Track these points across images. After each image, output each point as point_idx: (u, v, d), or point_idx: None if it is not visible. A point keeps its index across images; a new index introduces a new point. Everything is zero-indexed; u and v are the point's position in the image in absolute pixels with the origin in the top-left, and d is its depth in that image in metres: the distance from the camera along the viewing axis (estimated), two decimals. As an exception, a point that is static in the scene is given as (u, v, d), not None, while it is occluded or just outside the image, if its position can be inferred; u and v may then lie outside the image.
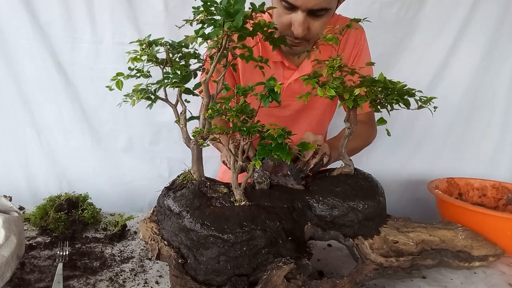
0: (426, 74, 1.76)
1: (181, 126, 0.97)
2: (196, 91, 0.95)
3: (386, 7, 1.68)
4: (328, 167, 1.08)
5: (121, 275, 0.95)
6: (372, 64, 1.01)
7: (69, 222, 1.18)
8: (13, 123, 1.73)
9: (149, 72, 0.95)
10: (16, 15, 1.61)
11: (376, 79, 0.89)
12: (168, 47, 0.93)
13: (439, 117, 1.73)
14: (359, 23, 0.93)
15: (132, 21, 1.62)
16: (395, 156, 1.87)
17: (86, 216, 1.20)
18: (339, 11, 1.28)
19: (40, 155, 1.77)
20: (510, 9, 1.69)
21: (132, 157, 1.79)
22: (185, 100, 0.98)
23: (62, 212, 1.19)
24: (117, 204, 1.47)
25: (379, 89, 0.89)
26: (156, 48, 0.92)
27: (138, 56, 0.90)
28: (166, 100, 0.96)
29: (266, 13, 0.93)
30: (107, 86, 0.92)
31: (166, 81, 0.93)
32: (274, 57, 1.24)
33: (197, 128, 0.93)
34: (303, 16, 1.07)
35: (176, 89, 0.94)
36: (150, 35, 0.94)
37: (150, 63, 0.93)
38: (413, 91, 0.89)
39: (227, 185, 0.96)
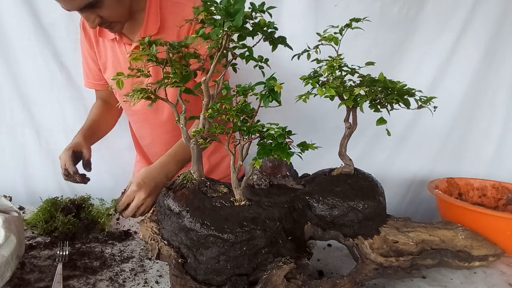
0: (428, 74, 1.75)
1: (181, 126, 0.97)
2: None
3: (387, 6, 1.67)
4: (328, 167, 1.07)
5: (121, 275, 0.95)
6: (372, 64, 1.00)
7: (78, 225, 1.16)
8: (10, 123, 1.73)
9: (149, 71, 0.95)
10: (18, 16, 1.62)
11: (376, 78, 0.89)
12: (168, 47, 0.93)
13: (440, 118, 1.73)
14: (359, 23, 0.92)
15: None
16: (396, 157, 1.86)
17: (89, 217, 1.20)
18: (339, 10, 1.25)
19: (39, 155, 1.76)
20: (511, 8, 1.68)
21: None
22: (185, 100, 0.98)
23: (70, 215, 1.18)
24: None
25: (379, 89, 0.89)
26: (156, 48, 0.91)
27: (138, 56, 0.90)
28: (166, 100, 0.96)
29: None
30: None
31: (166, 81, 0.93)
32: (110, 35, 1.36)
33: (197, 127, 0.93)
34: (84, 14, 1.20)
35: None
36: (150, 35, 0.94)
37: (150, 62, 0.93)
38: (413, 91, 0.89)
39: (227, 185, 0.96)
